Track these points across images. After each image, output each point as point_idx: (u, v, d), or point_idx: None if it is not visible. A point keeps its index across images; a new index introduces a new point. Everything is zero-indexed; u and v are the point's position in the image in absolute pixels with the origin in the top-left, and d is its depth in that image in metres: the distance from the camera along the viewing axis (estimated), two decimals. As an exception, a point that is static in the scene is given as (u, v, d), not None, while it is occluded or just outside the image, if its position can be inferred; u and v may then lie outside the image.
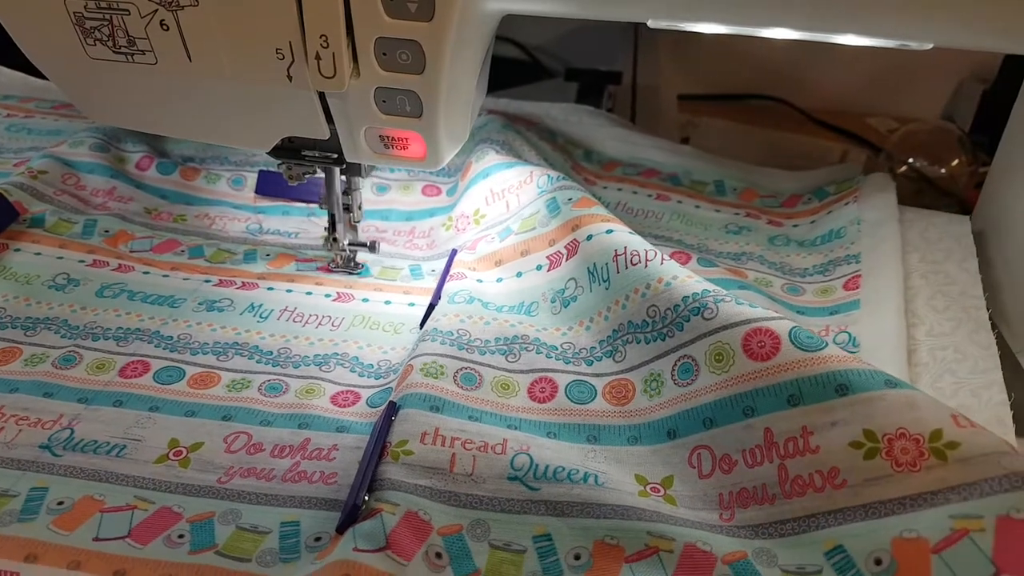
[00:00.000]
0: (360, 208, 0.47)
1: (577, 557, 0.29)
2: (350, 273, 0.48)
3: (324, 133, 0.39)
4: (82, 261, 0.46)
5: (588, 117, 0.63)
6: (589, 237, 0.41)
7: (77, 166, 0.53)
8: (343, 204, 0.46)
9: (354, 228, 0.48)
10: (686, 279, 0.37)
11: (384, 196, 0.55)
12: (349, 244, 0.48)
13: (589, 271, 0.41)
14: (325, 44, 0.34)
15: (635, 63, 0.79)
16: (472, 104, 0.41)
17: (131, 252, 0.48)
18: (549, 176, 0.47)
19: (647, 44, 0.79)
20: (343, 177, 0.45)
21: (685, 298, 0.36)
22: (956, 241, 0.47)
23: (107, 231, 0.49)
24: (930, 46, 0.37)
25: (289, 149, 0.42)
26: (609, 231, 0.41)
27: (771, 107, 0.74)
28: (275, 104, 0.38)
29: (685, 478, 0.33)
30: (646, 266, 0.38)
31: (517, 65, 0.87)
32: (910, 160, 0.62)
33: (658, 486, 0.32)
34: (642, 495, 0.32)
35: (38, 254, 0.46)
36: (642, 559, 0.29)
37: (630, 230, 0.41)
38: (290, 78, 0.35)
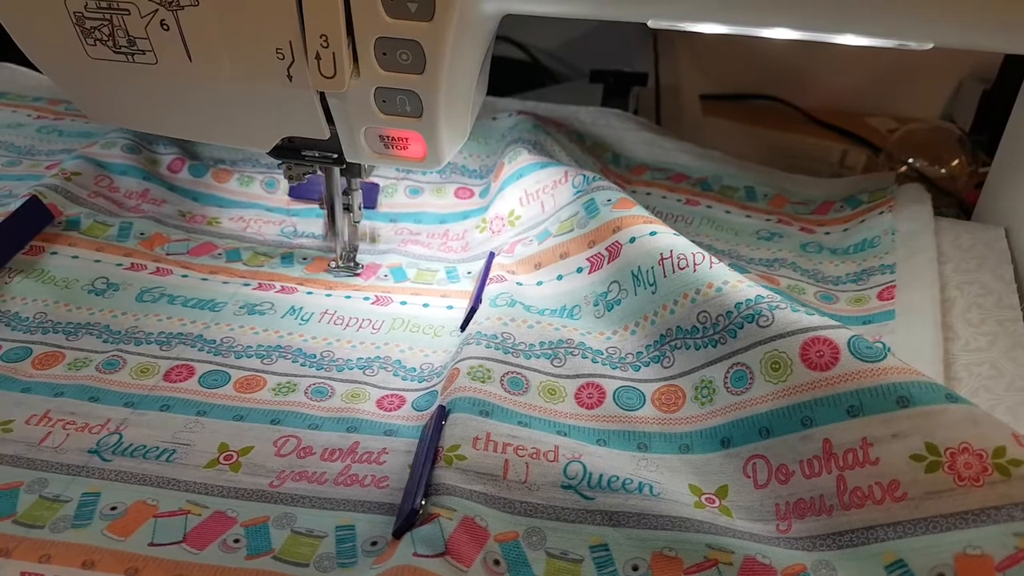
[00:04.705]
0: (360, 208, 0.47)
1: (635, 568, 0.29)
2: (351, 273, 0.48)
3: (324, 133, 0.39)
4: (120, 264, 0.46)
5: (616, 120, 0.63)
6: (632, 239, 0.41)
7: (110, 168, 0.53)
8: (343, 204, 0.46)
9: (354, 228, 0.48)
10: (737, 284, 0.36)
11: (417, 199, 0.55)
12: (349, 243, 0.48)
13: (633, 274, 0.40)
14: (325, 44, 0.33)
15: (656, 64, 0.78)
16: (472, 104, 0.41)
17: (167, 255, 0.48)
18: (585, 176, 0.46)
19: (666, 45, 0.78)
20: (343, 177, 0.45)
21: (738, 304, 0.35)
22: (989, 247, 0.47)
23: (142, 234, 0.49)
24: (930, 46, 0.37)
25: (289, 149, 0.42)
26: (652, 233, 0.41)
27: (771, 107, 0.73)
28: (275, 104, 0.38)
29: (740, 488, 0.32)
30: (695, 270, 0.38)
31: (518, 66, 0.85)
32: (910, 160, 0.62)
33: (713, 496, 0.32)
34: (698, 506, 0.31)
35: (75, 257, 0.46)
36: (701, 571, 0.29)
37: (674, 232, 0.41)
38: (290, 78, 0.35)
